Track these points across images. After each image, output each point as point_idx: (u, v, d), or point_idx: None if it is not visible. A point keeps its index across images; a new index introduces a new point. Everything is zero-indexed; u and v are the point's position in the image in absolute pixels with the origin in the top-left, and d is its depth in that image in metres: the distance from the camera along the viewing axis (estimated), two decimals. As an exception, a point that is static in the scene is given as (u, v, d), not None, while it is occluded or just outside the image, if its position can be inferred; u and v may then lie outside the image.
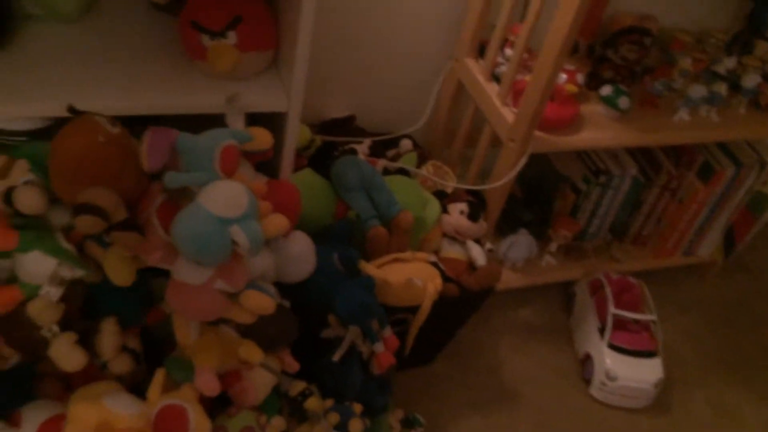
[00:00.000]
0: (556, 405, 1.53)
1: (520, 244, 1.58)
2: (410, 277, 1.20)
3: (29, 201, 0.86)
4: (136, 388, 1.00)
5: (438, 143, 1.66)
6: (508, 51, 1.46)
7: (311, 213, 1.21)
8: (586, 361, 1.59)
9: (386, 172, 1.40)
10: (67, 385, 0.99)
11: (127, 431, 0.90)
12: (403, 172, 1.43)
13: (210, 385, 0.97)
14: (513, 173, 1.36)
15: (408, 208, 1.26)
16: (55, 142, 0.85)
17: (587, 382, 1.58)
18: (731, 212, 1.78)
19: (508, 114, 1.36)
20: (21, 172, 0.88)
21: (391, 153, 1.55)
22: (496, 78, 1.46)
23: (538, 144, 1.35)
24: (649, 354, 1.55)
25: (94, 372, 1.00)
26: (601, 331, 1.58)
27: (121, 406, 0.92)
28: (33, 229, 0.88)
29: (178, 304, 0.93)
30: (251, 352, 1.02)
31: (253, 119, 1.03)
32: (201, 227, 0.85)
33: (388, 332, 1.19)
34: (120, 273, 0.91)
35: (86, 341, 0.94)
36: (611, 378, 1.52)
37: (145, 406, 0.94)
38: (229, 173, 0.92)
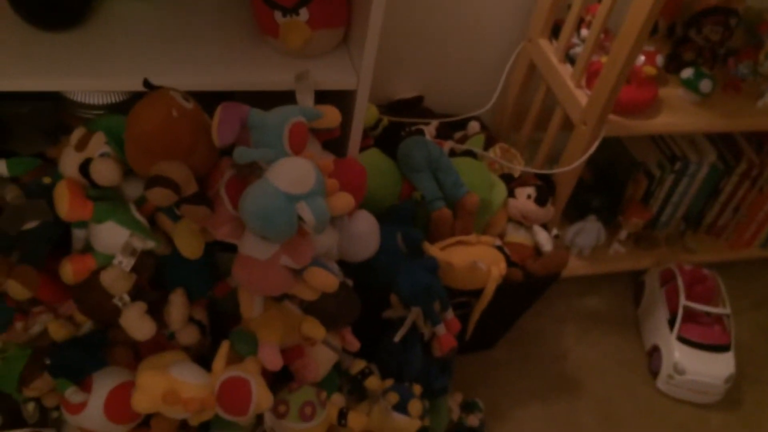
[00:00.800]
0: (620, 396, 1.49)
1: (588, 230, 1.53)
2: (474, 260, 1.18)
3: (104, 173, 0.88)
4: (202, 359, 1.03)
5: (506, 126, 1.62)
6: (584, 31, 1.41)
7: (377, 193, 1.20)
8: (654, 353, 1.54)
9: (453, 153, 1.38)
10: (137, 353, 1.02)
11: (192, 400, 0.92)
12: (470, 154, 1.40)
13: (272, 359, 0.98)
14: (584, 157, 1.32)
15: (474, 190, 1.24)
16: (130, 116, 0.87)
17: (654, 374, 1.54)
18: (816, 204, 1.69)
19: (582, 96, 1.32)
20: (97, 145, 0.90)
21: (458, 135, 1.53)
22: (570, 59, 1.41)
23: (611, 127, 1.30)
24: (720, 348, 1.49)
25: (162, 342, 1.02)
26: (671, 322, 1.52)
27: (187, 376, 0.95)
28: (108, 201, 0.90)
29: (244, 278, 0.94)
30: (314, 328, 1.03)
31: (322, 97, 1.03)
32: (268, 203, 0.86)
33: (450, 314, 1.18)
34: (189, 246, 0.93)
35: (155, 312, 0.96)
36: (679, 371, 1.47)
37: (210, 376, 0.96)
38: (298, 150, 0.92)
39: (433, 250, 1.18)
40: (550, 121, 1.46)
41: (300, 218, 0.88)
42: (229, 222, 0.92)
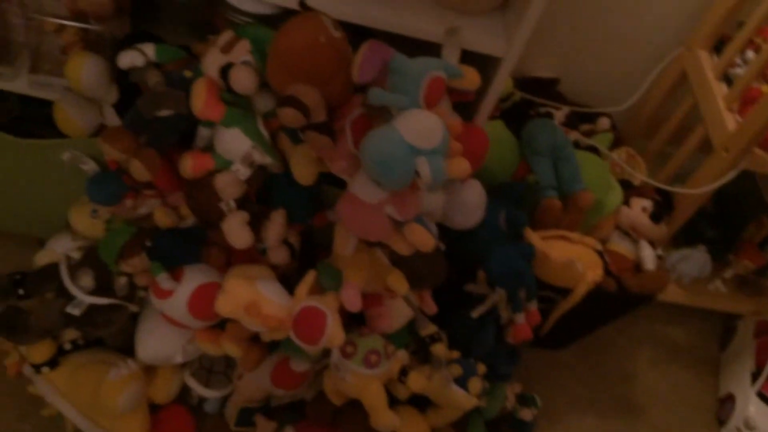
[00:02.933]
0: (679, 434, 1.44)
1: (695, 260, 1.46)
2: (572, 258, 1.15)
3: (243, 81, 0.90)
4: (286, 281, 1.05)
5: (638, 130, 1.55)
6: (750, 53, 1.31)
7: (492, 166, 1.18)
8: (727, 401, 1.47)
9: (576, 145, 1.33)
10: (229, 259, 1.05)
11: (270, 317, 0.95)
12: (593, 150, 1.35)
13: (353, 300, 0.99)
14: (716, 185, 1.24)
15: (591, 188, 1.20)
16: (279, 31, 0.87)
17: (721, 422, 1.47)
18: None
19: (730, 121, 1.24)
20: (241, 52, 0.92)
21: (586, 127, 1.47)
22: (727, 79, 1.32)
23: (754, 161, 1.22)
24: (801, 417, 1.40)
25: (254, 255, 1.05)
26: (754, 375, 1.44)
27: (271, 293, 0.97)
28: (238, 108, 0.92)
29: (346, 216, 0.94)
30: (398, 282, 1.03)
31: (464, 57, 1.00)
32: (390, 149, 0.85)
33: (533, 306, 1.15)
34: (303, 171, 0.94)
35: (255, 224, 0.99)
36: (750, 427, 1.39)
37: (291, 299, 0.98)
38: (431, 104, 0.91)
39: (534, 237, 1.15)
40: (687, 137, 1.38)
41: (417, 172, 0.87)
42: (346, 158, 0.92)
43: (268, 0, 0.97)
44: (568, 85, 1.54)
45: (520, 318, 1.14)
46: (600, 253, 1.22)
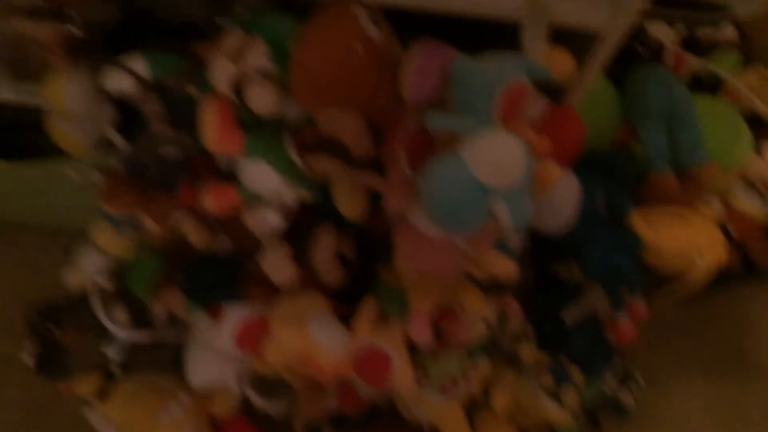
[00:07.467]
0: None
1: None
2: (688, 250, 0.94)
3: (263, 101, 0.70)
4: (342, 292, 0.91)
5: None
6: None
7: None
8: None
9: (696, 83, 1.05)
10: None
11: (326, 370, 0.82)
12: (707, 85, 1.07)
13: (422, 334, 0.85)
14: None
15: (715, 152, 0.95)
16: (302, 40, 0.65)
17: None
18: None
19: None
20: (256, 57, 0.70)
21: (702, 33, 1.16)
22: None
23: None
24: None
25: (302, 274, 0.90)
26: None
27: (325, 336, 0.83)
28: (262, 131, 0.73)
29: (407, 252, 0.77)
30: (475, 303, 0.87)
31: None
32: (457, 192, 0.65)
33: (638, 301, 0.97)
34: (351, 206, 0.77)
35: (299, 250, 0.83)
36: None
37: (349, 337, 0.84)
38: (509, 119, 0.68)
39: (641, 225, 0.93)
40: None
41: (492, 215, 0.67)
42: (403, 190, 0.73)
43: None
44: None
45: (624, 319, 0.96)
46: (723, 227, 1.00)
